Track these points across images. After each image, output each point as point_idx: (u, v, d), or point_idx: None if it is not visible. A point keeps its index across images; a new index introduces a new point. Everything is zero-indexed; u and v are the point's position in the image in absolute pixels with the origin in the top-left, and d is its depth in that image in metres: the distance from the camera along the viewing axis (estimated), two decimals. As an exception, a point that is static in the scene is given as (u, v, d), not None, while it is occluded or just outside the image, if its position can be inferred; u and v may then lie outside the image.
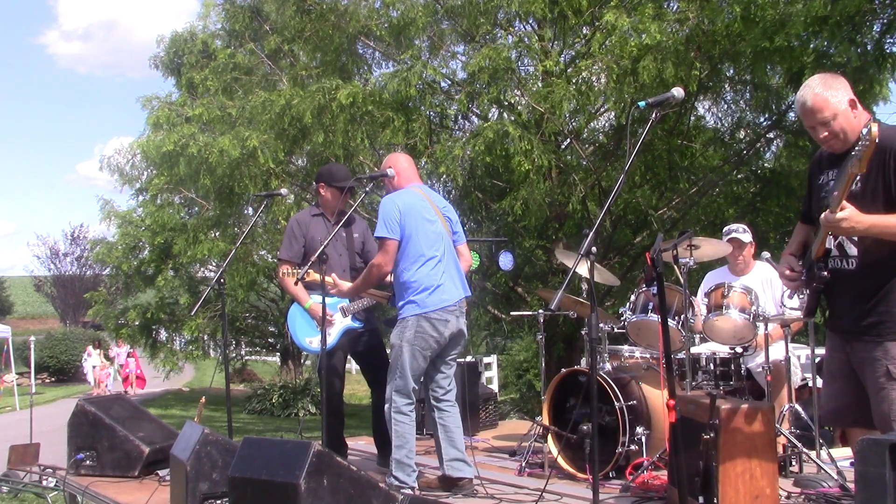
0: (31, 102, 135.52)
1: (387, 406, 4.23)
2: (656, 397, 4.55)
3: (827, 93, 2.96)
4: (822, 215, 2.86)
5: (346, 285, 4.53)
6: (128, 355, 22.39)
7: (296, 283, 4.44)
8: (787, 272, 3.21)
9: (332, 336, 4.70)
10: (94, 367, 22.73)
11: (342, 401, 4.98)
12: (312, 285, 4.56)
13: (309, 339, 4.72)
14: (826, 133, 2.98)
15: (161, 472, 4.60)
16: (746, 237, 5.20)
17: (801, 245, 3.28)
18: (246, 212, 14.29)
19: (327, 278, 4.67)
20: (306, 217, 5.00)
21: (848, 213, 2.78)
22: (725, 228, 5.35)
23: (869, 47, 7.84)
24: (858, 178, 2.90)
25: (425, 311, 4.14)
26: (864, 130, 2.64)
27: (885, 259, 2.91)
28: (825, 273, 3.04)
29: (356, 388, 18.07)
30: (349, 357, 5.22)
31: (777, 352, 4.84)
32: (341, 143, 9.77)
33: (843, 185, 2.77)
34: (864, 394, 3.00)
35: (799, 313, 3.80)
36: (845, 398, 3.10)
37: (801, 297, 3.26)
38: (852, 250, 3.01)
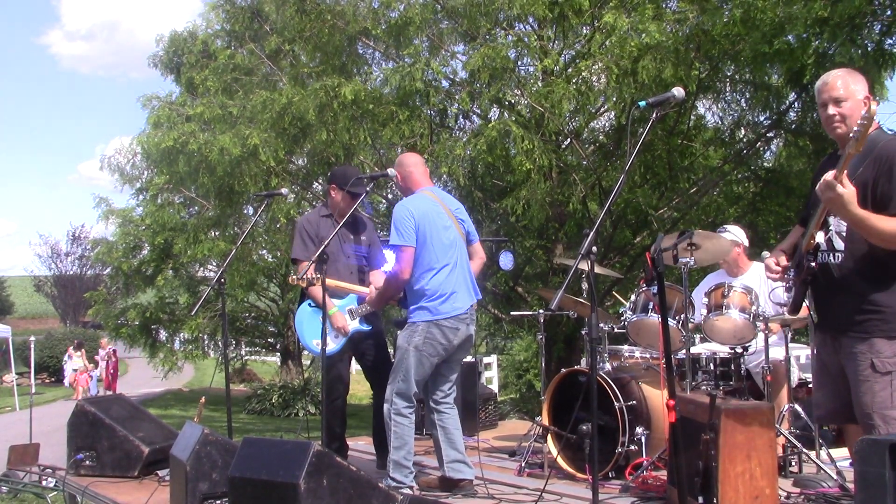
0: (33, 102, 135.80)
1: (386, 406, 4.23)
2: (656, 397, 4.55)
3: (848, 78, 3.10)
4: (824, 177, 2.88)
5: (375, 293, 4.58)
6: (109, 356, 20.69)
7: (307, 286, 4.42)
8: (773, 264, 3.28)
9: (338, 340, 4.69)
10: (74, 370, 21.28)
11: (345, 403, 4.97)
12: (335, 292, 4.60)
13: (316, 342, 4.66)
14: (834, 111, 3.07)
15: (161, 472, 4.60)
16: (742, 237, 5.22)
17: (793, 246, 3.33)
18: (246, 211, 14.31)
19: (364, 289, 4.67)
20: (316, 217, 4.97)
21: (845, 191, 2.82)
22: (718, 229, 5.35)
23: (869, 48, 7.84)
24: (853, 181, 2.93)
25: (437, 318, 4.14)
26: (864, 111, 2.71)
27: (870, 255, 2.96)
28: (813, 265, 3.09)
29: (356, 388, 17.99)
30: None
31: (777, 352, 4.84)
32: (343, 141, 9.77)
33: (841, 165, 2.81)
34: None
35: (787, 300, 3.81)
36: (843, 397, 3.11)
37: (787, 294, 3.30)
38: (840, 245, 3.06)
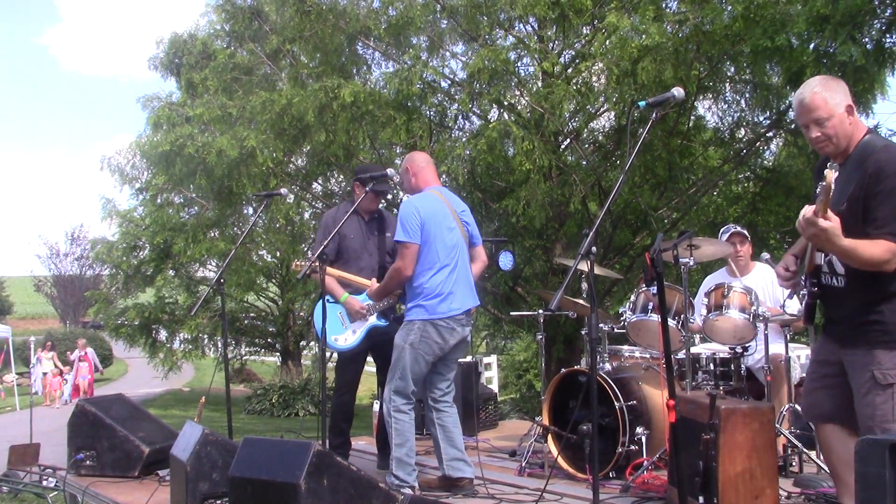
0: (33, 101, 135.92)
1: (385, 406, 4.25)
2: (656, 397, 4.55)
3: (826, 93, 2.95)
4: (803, 212, 2.79)
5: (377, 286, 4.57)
6: (80, 359, 18.91)
7: (300, 277, 4.40)
8: (783, 271, 3.23)
9: (358, 334, 4.68)
10: (44, 374, 19.17)
11: (353, 400, 4.96)
12: (344, 284, 4.64)
13: (334, 337, 4.67)
14: (818, 133, 2.96)
15: (161, 472, 4.60)
16: (745, 233, 5.24)
17: (803, 249, 3.28)
18: (245, 212, 14.32)
19: (365, 282, 4.67)
20: (342, 214, 4.90)
21: (829, 225, 2.72)
22: (723, 228, 5.37)
23: (869, 46, 7.84)
24: (846, 198, 2.92)
25: (433, 317, 4.16)
26: (821, 184, 2.63)
27: (873, 275, 2.89)
28: (816, 290, 3.07)
29: (356, 388, 18.01)
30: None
31: (777, 350, 4.84)
32: (342, 142, 9.77)
33: (821, 200, 2.71)
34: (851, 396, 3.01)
35: (798, 313, 3.81)
36: (837, 399, 3.10)
37: (801, 299, 3.26)
38: (840, 268, 3.01)
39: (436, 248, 4.19)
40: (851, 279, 2.98)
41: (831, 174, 2.61)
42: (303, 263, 4.52)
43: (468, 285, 4.34)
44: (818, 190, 2.68)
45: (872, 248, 2.81)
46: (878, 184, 2.83)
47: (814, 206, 2.74)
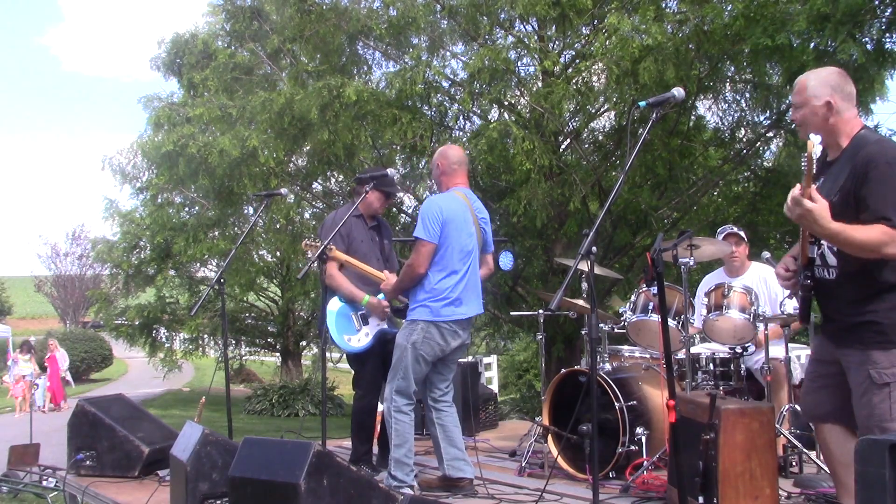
0: (34, 101, 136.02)
1: (386, 405, 4.25)
2: (656, 397, 4.55)
3: (813, 81, 3.04)
4: (791, 193, 2.85)
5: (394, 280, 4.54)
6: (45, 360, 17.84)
7: (315, 258, 4.35)
8: (782, 272, 3.24)
9: (369, 338, 4.69)
10: (22, 377, 17.38)
11: (376, 404, 4.90)
12: (364, 280, 4.65)
13: (347, 337, 4.65)
14: (794, 116, 3.12)
15: (161, 472, 4.60)
16: (742, 234, 5.24)
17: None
18: (246, 211, 14.32)
19: (381, 274, 4.66)
20: (342, 214, 4.81)
21: (815, 206, 2.77)
22: (720, 229, 5.38)
23: (869, 46, 7.84)
24: (837, 189, 2.94)
25: (437, 319, 4.16)
26: (804, 154, 2.70)
27: (863, 269, 2.90)
28: (809, 282, 3.08)
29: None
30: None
31: (777, 351, 4.85)
32: (345, 141, 9.77)
33: (805, 180, 2.77)
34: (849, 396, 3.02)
35: (795, 311, 3.82)
36: (835, 399, 3.10)
37: (798, 299, 3.28)
38: (832, 260, 3.02)
39: (452, 251, 4.17)
40: (842, 271, 2.99)
41: (811, 143, 2.67)
42: (311, 244, 4.52)
43: (476, 293, 4.33)
44: (803, 163, 2.72)
45: (866, 232, 2.82)
46: (869, 173, 2.87)
47: (799, 187, 2.80)
